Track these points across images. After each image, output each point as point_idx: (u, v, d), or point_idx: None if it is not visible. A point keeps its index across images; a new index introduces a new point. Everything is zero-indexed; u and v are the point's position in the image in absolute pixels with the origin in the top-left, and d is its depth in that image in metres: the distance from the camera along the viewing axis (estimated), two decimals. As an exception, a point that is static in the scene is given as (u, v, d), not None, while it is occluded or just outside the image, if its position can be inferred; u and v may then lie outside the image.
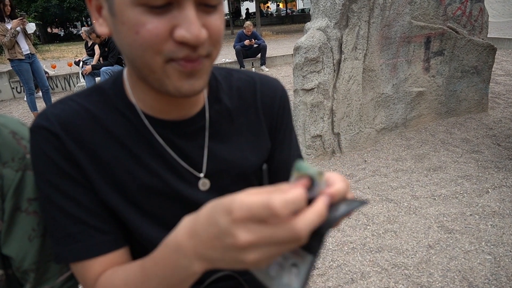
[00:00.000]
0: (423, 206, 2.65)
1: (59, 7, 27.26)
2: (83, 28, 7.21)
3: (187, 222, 0.42)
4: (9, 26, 4.83)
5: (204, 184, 0.61)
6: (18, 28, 4.85)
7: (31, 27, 5.11)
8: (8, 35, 4.77)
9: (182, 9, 0.45)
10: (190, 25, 0.44)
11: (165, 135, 0.58)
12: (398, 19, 3.64)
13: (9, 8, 4.85)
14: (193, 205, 0.60)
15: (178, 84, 0.49)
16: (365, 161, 3.48)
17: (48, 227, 0.57)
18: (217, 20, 0.48)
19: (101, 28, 0.51)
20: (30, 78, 5.19)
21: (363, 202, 0.39)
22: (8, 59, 5.04)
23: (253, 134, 0.66)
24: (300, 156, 0.75)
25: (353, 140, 3.69)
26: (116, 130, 0.57)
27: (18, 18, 4.89)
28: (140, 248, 0.61)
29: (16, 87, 7.94)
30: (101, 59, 5.92)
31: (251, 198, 0.34)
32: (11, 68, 7.95)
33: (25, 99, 7.42)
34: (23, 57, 5.01)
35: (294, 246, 0.36)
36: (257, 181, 0.68)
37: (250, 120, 0.66)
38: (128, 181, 0.57)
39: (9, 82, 7.85)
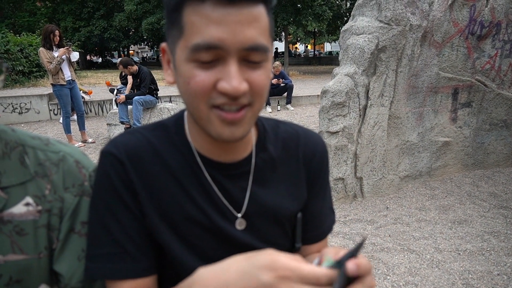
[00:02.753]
0: (446, 260, 2.56)
1: (100, 37, 29.07)
2: (119, 59, 7.66)
3: (216, 269, 0.48)
4: (55, 54, 5.22)
5: (240, 223, 0.65)
6: (63, 56, 5.23)
7: (75, 56, 5.51)
8: (54, 62, 5.14)
9: (226, 64, 0.51)
10: (231, 79, 0.51)
11: (213, 174, 0.64)
12: (426, 69, 3.70)
13: (58, 38, 5.27)
14: (229, 241, 0.65)
15: (220, 130, 0.55)
16: (387, 207, 3.43)
17: (88, 242, 0.63)
18: (260, 75, 0.54)
19: (168, 77, 0.60)
20: (68, 102, 5.53)
21: (361, 244, 0.43)
22: (51, 83, 5.39)
23: (293, 184, 0.71)
24: (331, 209, 0.79)
25: (376, 186, 3.66)
26: (172, 164, 0.63)
27: (65, 47, 5.29)
28: (173, 273, 0.65)
29: (54, 110, 8.39)
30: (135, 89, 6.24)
31: (294, 262, 0.43)
32: (51, 91, 8.47)
33: (60, 121, 7.82)
34: (65, 83, 5.37)
35: None
36: (290, 226, 0.71)
37: (291, 170, 0.71)
38: (176, 211, 0.62)
39: (48, 104, 8.32)
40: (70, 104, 5.59)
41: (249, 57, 0.52)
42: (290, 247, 0.73)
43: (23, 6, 28.57)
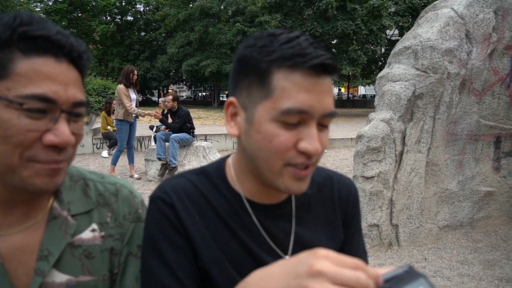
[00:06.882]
0: (493, 322, 2.36)
1: (143, 77, 30.96)
2: (160, 99, 8.12)
3: (260, 269, 0.49)
4: (130, 92, 5.78)
5: None
6: (135, 99, 5.87)
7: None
8: (137, 111, 5.80)
9: (308, 127, 0.57)
10: (313, 140, 0.57)
11: (258, 217, 0.68)
12: (465, 117, 3.64)
13: (136, 77, 5.86)
14: None
15: (289, 184, 0.60)
16: (425, 258, 3.26)
17: (142, 283, 0.67)
18: (326, 137, 0.61)
19: (232, 130, 0.64)
20: (126, 137, 5.99)
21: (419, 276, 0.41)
22: (117, 118, 5.90)
23: (329, 225, 0.74)
24: (365, 250, 0.82)
25: (413, 234, 3.51)
26: (217, 206, 0.68)
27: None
28: None
29: (97, 144, 8.87)
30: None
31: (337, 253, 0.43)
32: (96, 126, 9.00)
33: (102, 155, 8.28)
34: (132, 120, 5.94)
35: None
36: None
37: (327, 212, 0.75)
38: (224, 251, 0.66)
39: (92, 138, 8.83)
40: (126, 139, 5.98)
41: (323, 121, 0.59)
42: None
43: (77, 48, 31.16)
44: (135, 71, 5.84)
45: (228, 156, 0.75)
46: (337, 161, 7.95)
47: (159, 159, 6.07)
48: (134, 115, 5.89)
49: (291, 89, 0.56)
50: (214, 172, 0.71)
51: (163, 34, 33.18)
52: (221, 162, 0.74)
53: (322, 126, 0.60)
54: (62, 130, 0.57)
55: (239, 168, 0.70)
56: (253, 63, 0.59)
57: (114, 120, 6.18)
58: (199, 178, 0.70)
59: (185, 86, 47.76)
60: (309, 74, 0.56)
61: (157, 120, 6.44)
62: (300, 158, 0.58)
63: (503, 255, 3.31)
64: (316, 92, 0.57)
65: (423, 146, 3.44)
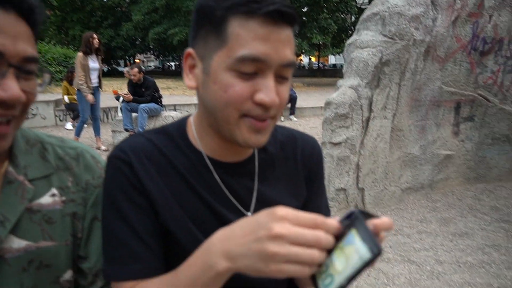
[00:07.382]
0: (447, 272, 2.57)
1: (107, 46, 29.47)
2: (125, 68, 7.78)
3: (222, 229, 0.51)
4: (91, 61, 5.40)
5: None
6: (97, 69, 5.54)
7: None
8: (86, 88, 5.40)
9: (264, 77, 0.56)
10: (269, 91, 0.56)
11: (221, 174, 0.68)
12: (429, 83, 3.76)
13: (97, 41, 5.48)
14: None
15: (247, 136, 0.60)
16: (389, 219, 3.45)
17: (103, 246, 0.65)
18: (286, 90, 0.60)
19: (190, 82, 0.64)
20: (88, 107, 5.66)
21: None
22: (78, 88, 5.57)
23: (291, 182, 0.75)
24: (328, 208, 0.84)
25: (377, 197, 3.68)
26: (178, 164, 0.66)
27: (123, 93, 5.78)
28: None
29: (60, 116, 8.49)
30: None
31: (295, 210, 0.45)
32: (57, 97, 8.57)
33: (66, 127, 7.94)
34: (91, 90, 5.57)
35: (312, 260, 0.42)
36: None
37: (290, 170, 0.76)
38: (185, 209, 0.65)
39: (54, 110, 8.43)
40: (89, 110, 5.70)
41: (282, 72, 0.58)
42: None
43: (33, 13, 28.99)
44: (94, 35, 5.51)
45: (190, 115, 0.73)
46: (307, 129, 8.08)
47: (126, 130, 5.93)
48: (95, 85, 5.58)
49: (247, 36, 0.55)
50: (175, 131, 0.70)
51: (127, 0, 31.42)
52: (183, 121, 0.72)
53: (282, 78, 0.59)
54: (10, 85, 0.53)
55: (200, 125, 0.68)
56: (209, 11, 0.58)
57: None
58: (159, 137, 0.69)
59: (152, 56, 46.01)
60: (266, 21, 0.55)
61: (125, 94, 6.10)
62: (256, 110, 0.57)
63: (457, 212, 3.56)
64: (272, 41, 0.55)
65: (389, 112, 3.54)
